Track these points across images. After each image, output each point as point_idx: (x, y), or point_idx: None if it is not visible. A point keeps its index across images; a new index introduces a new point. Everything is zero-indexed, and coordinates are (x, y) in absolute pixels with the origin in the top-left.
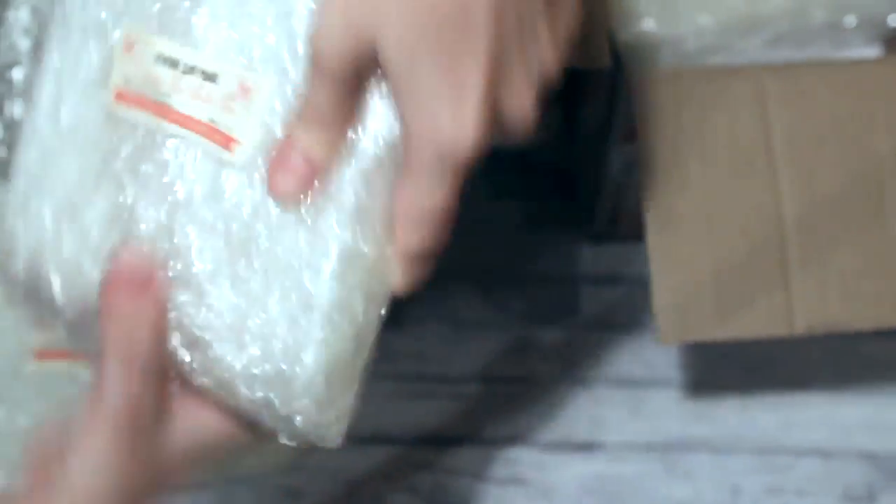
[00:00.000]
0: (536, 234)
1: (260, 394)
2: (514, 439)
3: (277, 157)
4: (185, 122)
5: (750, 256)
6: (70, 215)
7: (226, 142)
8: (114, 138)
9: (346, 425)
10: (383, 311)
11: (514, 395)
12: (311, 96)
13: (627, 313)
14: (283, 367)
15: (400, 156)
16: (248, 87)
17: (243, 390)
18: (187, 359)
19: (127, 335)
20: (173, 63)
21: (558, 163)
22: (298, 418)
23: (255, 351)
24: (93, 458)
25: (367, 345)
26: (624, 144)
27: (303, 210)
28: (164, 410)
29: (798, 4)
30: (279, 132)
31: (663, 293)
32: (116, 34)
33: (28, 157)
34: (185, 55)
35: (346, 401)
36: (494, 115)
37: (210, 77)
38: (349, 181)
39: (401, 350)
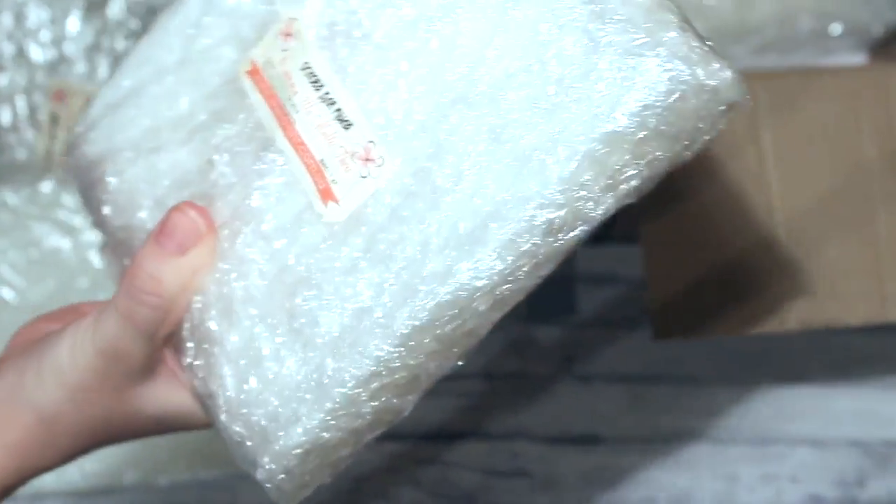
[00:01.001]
0: None
1: (237, 429)
2: (516, 433)
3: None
4: (298, 146)
5: (742, 256)
6: (151, 148)
7: (326, 193)
8: (227, 105)
9: (306, 495)
10: (388, 425)
11: (516, 391)
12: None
13: (624, 311)
14: (270, 424)
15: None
16: (372, 158)
17: (223, 416)
18: (189, 357)
19: (137, 297)
20: (316, 82)
21: None
22: (260, 472)
23: (254, 392)
24: (75, 353)
25: (361, 442)
26: None
27: (366, 300)
28: (150, 370)
29: (785, 13)
30: (374, 217)
31: (657, 292)
32: (285, 13)
33: (144, 59)
34: (334, 85)
35: (314, 479)
36: None
37: (345, 123)
38: (412, 314)
39: None
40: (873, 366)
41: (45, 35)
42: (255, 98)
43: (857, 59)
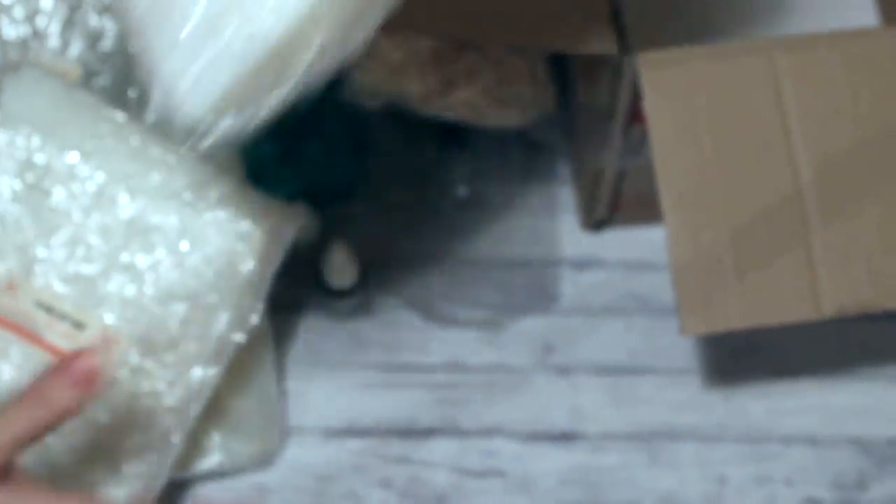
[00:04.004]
0: (518, 218)
1: None
2: (491, 430)
3: None
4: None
5: (771, 238)
6: None
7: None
8: None
9: None
10: None
11: (491, 384)
12: None
13: (608, 298)
14: None
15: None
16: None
17: None
18: None
19: None
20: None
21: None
22: None
23: None
24: None
25: None
26: (628, 128)
27: None
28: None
29: None
30: None
31: (685, 281)
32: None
33: None
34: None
35: None
36: None
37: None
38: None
39: (371, 339)
40: (876, 358)
41: (19, 11)
42: None
43: None
